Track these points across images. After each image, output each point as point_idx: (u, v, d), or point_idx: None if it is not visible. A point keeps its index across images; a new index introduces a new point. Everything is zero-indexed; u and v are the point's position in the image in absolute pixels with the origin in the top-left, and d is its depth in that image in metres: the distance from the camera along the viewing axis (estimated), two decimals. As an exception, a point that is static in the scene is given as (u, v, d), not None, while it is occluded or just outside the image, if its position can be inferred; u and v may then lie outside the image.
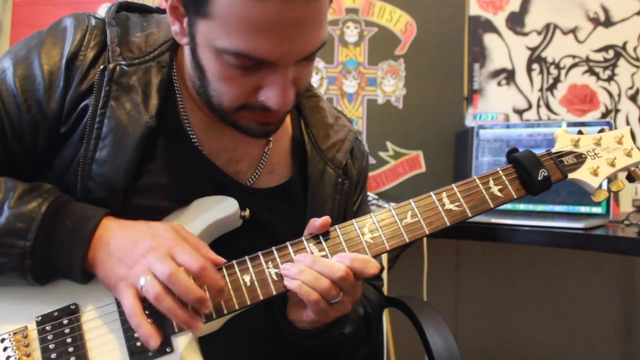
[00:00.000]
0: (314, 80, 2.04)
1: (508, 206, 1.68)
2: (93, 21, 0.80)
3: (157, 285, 0.66)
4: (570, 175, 0.83)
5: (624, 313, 2.01)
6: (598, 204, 1.55)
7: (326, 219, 0.75)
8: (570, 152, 0.85)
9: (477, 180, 0.80)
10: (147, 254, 0.67)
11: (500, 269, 2.09)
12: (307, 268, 0.71)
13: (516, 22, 2.08)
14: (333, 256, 0.73)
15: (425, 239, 1.65)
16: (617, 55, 2.02)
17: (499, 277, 2.09)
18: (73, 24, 0.79)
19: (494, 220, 1.48)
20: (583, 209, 1.58)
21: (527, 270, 2.06)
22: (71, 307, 0.71)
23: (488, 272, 2.10)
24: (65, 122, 0.76)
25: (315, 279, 0.70)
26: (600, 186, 0.84)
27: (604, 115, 2.03)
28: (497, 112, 1.94)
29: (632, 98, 2.02)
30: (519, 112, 2.06)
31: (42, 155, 0.77)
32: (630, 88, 2.02)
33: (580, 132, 0.87)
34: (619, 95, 2.02)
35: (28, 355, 0.68)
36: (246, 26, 0.65)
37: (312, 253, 0.74)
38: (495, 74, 2.08)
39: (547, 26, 2.06)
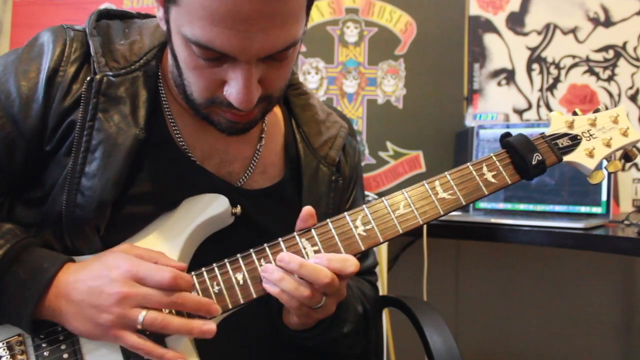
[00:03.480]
0: (314, 80, 2.04)
1: (508, 206, 1.68)
2: (72, 33, 0.78)
3: (156, 314, 0.66)
4: (566, 158, 0.81)
5: (624, 313, 2.01)
6: (598, 204, 1.55)
7: (307, 208, 0.74)
8: (564, 135, 0.83)
9: (470, 167, 0.79)
10: (120, 292, 0.66)
11: (500, 269, 2.08)
12: (287, 276, 0.70)
13: (516, 22, 2.07)
14: (310, 258, 0.72)
15: (425, 238, 1.64)
16: (617, 55, 2.02)
17: (499, 277, 2.09)
18: (51, 39, 0.77)
19: (494, 220, 1.48)
20: (583, 209, 1.57)
21: (527, 270, 2.06)
22: None
23: (488, 272, 2.10)
24: (50, 140, 0.74)
25: (295, 288, 0.69)
26: (596, 168, 0.82)
27: (604, 115, 2.03)
28: (497, 112, 1.94)
29: (632, 98, 2.02)
30: (519, 112, 2.06)
31: (25, 173, 0.75)
32: (630, 88, 2.02)
33: (575, 113, 0.85)
34: (619, 95, 2.02)
35: (22, 363, 0.67)
36: (207, 16, 0.63)
37: (304, 249, 0.73)
38: (495, 74, 2.08)
39: (547, 26, 2.06)
